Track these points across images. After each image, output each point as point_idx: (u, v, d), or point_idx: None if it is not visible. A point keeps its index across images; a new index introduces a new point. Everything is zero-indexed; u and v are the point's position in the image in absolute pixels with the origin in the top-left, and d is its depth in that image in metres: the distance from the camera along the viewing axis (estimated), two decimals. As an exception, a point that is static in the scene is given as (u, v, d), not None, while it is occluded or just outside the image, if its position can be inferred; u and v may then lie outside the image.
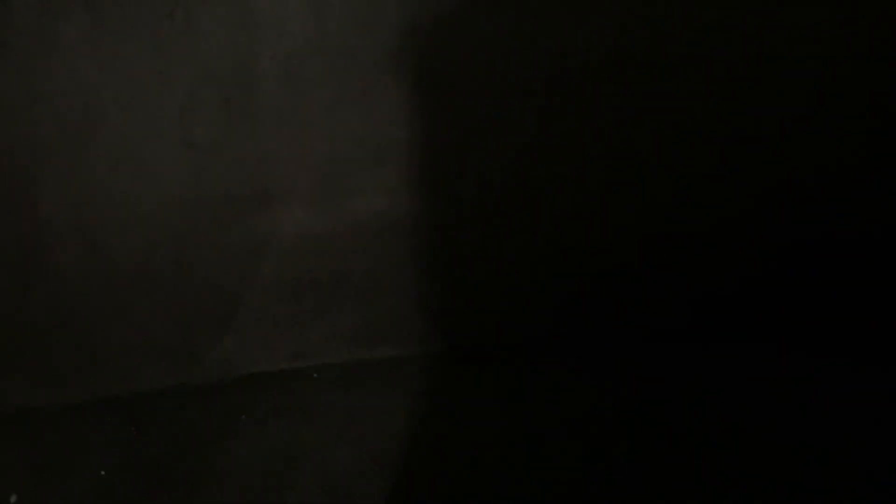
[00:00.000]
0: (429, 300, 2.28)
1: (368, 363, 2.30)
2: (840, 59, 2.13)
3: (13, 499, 1.82)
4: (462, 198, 2.19)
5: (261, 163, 2.07)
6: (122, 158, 1.98)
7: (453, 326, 2.33)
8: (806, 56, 2.12)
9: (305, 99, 2.04)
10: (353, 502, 1.90)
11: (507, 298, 2.32)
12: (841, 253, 2.30)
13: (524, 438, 2.04)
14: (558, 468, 1.94)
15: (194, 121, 1.99)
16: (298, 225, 2.13)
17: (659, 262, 2.30)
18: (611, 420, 2.07)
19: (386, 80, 2.05)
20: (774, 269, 2.31)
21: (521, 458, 1.98)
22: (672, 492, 1.86)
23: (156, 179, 2.02)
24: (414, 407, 2.15)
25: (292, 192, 2.10)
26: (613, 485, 1.89)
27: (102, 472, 1.95)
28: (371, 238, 2.18)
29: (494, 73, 2.08)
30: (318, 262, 2.18)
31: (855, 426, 1.98)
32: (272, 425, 2.11)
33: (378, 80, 2.05)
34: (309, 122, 2.07)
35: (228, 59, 1.97)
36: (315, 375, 2.27)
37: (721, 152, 2.20)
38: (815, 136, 2.21)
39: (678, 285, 2.32)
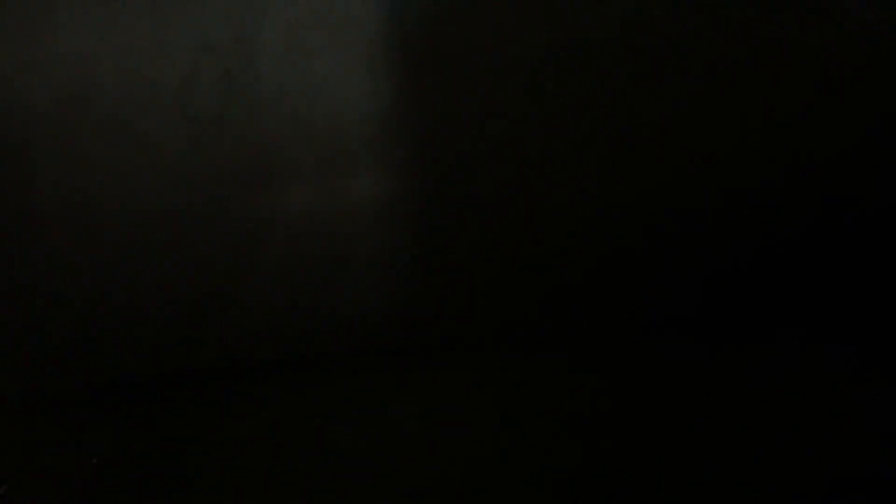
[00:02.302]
0: (434, 288, 2.24)
1: (370, 352, 2.26)
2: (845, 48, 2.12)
3: (3, 490, 1.78)
4: (470, 179, 2.15)
5: (262, 139, 2.00)
6: (119, 131, 1.90)
7: (457, 314, 2.29)
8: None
9: (308, 72, 1.98)
10: (354, 491, 1.89)
11: (513, 287, 2.28)
12: (852, 248, 2.30)
13: (529, 432, 2.03)
14: (557, 465, 1.93)
15: (194, 93, 1.92)
16: (301, 205, 2.07)
17: (661, 253, 2.28)
18: (612, 415, 2.06)
19: (392, 53, 1.99)
20: (779, 262, 2.31)
21: (524, 451, 1.97)
22: (670, 492, 1.86)
23: (153, 153, 1.94)
24: (414, 397, 2.13)
25: (295, 170, 2.04)
26: (609, 482, 1.89)
27: (94, 460, 1.91)
28: (375, 220, 2.13)
29: (508, 46, 2.03)
30: (319, 244, 2.12)
31: (861, 423, 1.98)
32: (271, 414, 2.07)
33: (384, 54, 1.99)
34: (312, 96, 2.00)
35: (230, 29, 1.90)
36: (315, 365, 2.23)
37: (724, 140, 2.19)
38: (821, 124, 2.20)
39: (681, 276, 2.31)
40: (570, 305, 2.32)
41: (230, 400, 2.11)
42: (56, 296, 2.01)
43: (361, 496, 1.87)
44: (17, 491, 1.82)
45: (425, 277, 2.22)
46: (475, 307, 2.29)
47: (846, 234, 2.30)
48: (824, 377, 2.13)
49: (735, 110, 2.17)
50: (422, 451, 1.99)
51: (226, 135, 1.97)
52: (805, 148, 2.22)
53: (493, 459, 1.97)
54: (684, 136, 2.17)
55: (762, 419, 2.02)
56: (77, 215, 1.95)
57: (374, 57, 1.99)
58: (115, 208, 1.96)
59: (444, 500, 1.88)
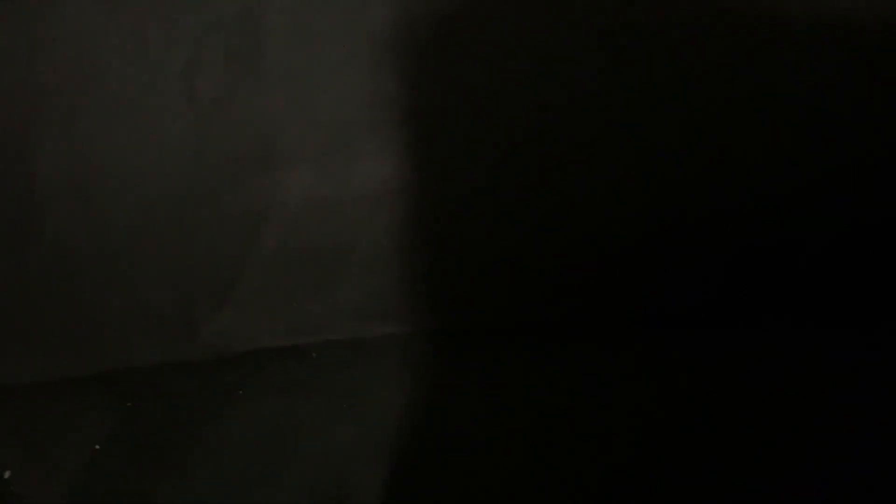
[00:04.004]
0: (435, 275, 2.22)
1: (370, 340, 2.24)
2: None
3: (6, 475, 1.79)
4: (474, 167, 2.14)
5: (266, 122, 1.98)
6: (123, 111, 1.87)
7: (460, 303, 2.28)
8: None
9: (314, 54, 1.96)
10: (352, 480, 1.89)
11: (518, 275, 2.28)
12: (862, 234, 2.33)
13: (531, 422, 2.03)
14: (562, 453, 1.94)
15: (198, 75, 1.89)
16: (303, 188, 2.05)
17: (673, 243, 2.28)
18: (621, 405, 2.08)
19: (398, 37, 1.98)
20: (791, 248, 2.33)
21: (525, 441, 1.98)
22: (679, 480, 1.87)
23: (156, 135, 1.92)
24: (416, 386, 2.12)
25: (298, 152, 2.02)
26: (616, 472, 1.90)
27: (96, 447, 1.91)
28: (377, 206, 2.11)
29: (518, 31, 2.03)
30: (322, 231, 2.11)
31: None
32: (271, 402, 2.07)
33: (390, 38, 1.98)
34: (317, 78, 1.98)
35: (236, 9, 1.88)
36: (314, 355, 2.21)
37: (736, 133, 2.20)
38: (833, 118, 2.21)
39: (693, 266, 2.32)
40: (576, 295, 2.32)
41: (229, 388, 2.10)
42: (56, 282, 1.99)
43: (358, 490, 1.87)
44: (19, 477, 1.82)
45: (428, 266, 2.21)
46: (478, 297, 2.28)
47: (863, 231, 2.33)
48: (832, 373, 2.16)
49: (740, 109, 2.18)
50: (425, 435, 1.99)
51: (229, 117, 1.95)
52: (810, 143, 2.23)
53: (498, 442, 1.97)
54: (693, 130, 2.18)
55: (780, 420, 2.03)
56: (79, 198, 1.92)
57: (379, 42, 1.97)
58: (117, 190, 1.94)
59: (444, 477, 1.88)
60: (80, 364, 2.07)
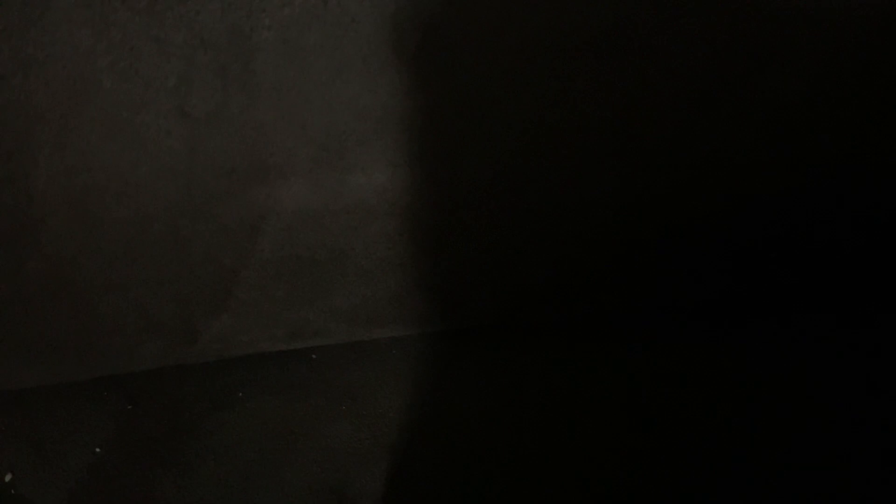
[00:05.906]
0: (429, 279, 2.24)
1: (367, 343, 2.28)
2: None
3: (8, 477, 1.82)
4: (466, 173, 2.15)
5: (258, 134, 2.01)
6: (116, 127, 1.91)
7: (455, 306, 2.31)
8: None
9: (304, 69, 1.97)
10: (351, 480, 1.90)
11: (513, 278, 2.29)
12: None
13: (526, 421, 2.03)
14: (561, 452, 1.94)
15: (190, 90, 1.92)
16: (297, 200, 2.08)
17: (673, 244, 2.29)
18: (621, 404, 2.08)
19: (386, 49, 1.99)
20: (803, 241, 2.32)
21: (521, 440, 1.98)
22: (679, 480, 1.86)
23: (150, 149, 1.95)
24: (413, 388, 2.15)
25: (291, 165, 2.05)
26: (616, 471, 1.89)
27: (97, 450, 1.95)
28: (370, 214, 2.14)
29: (506, 41, 2.03)
30: (316, 239, 2.14)
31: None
32: (270, 404, 2.10)
33: (378, 50, 1.99)
34: (307, 93, 2.00)
35: (226, 26, 1.90)
36: (313, 356, 2.25)
37: (735, 133, 2.19)
38: (833, 117, 2.19)
39: (693, 266, 2.32)
40: (576, 295, 2.32)
41: (229, 390, 2.13)
42: (56, 290, 2.03)
43: (357, 489, 1.88)
44: (24, 478, 1.86)
45: (425, 270, 2.23)
46: (477, 298, 2.30)
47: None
48: (831, 373, 2.14)
49: (739, 110, 2.17)
50: (422, 435, 2.00)
51: (221, 131, 1.98)
52: (809, 143, 2.21)
53: (493, 441, 1.98)
54: (691, 133, 2.17)
55: (779, 420, 2.02)
56: (76, 211, 1.97)
57: (368, 54, 1.99)
58: (113, 204, 1.98)
59: (442, 478, 1.89)
60: (82, 368, 2.13)
